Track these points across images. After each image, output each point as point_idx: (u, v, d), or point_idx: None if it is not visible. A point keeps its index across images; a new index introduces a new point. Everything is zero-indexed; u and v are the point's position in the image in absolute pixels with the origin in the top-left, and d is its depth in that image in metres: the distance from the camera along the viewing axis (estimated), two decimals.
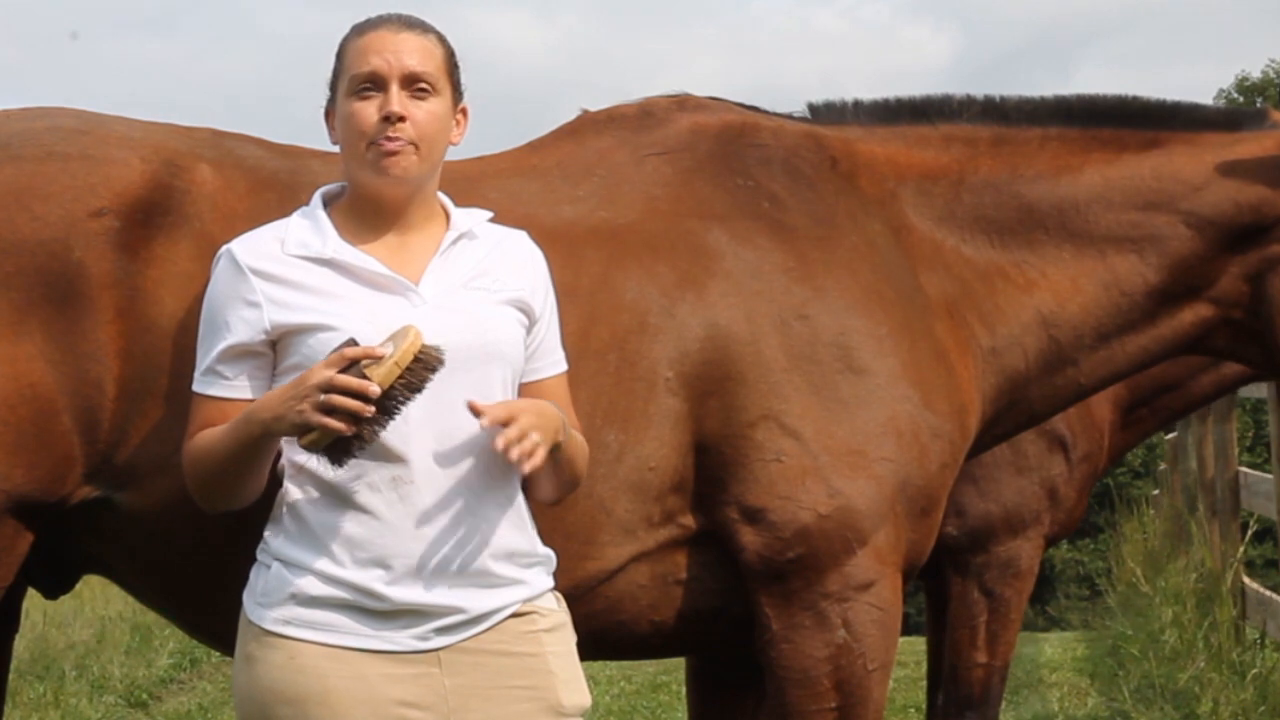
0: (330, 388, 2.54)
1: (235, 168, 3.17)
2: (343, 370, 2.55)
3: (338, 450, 2.59)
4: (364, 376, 2.54)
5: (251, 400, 2.74)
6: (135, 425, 3.00)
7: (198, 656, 9.87)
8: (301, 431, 2.59)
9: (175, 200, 3.07)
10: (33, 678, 8.53)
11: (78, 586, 3.39)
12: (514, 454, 2.64)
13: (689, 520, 3.30)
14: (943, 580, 5.31)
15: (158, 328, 3.00)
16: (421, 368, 2.58)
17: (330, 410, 2.54)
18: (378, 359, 2.56)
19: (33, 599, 3.37)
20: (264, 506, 2.79)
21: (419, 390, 2.59)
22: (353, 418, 2.54)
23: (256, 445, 2.68)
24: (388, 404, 2.56)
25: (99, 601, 10.27)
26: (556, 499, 2.92)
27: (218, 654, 5.88)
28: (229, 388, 2.75)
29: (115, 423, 3.00)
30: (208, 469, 2.74)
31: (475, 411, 2.66)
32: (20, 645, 8.08)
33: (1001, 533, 5.25)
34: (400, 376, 2.56)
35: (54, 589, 3.31)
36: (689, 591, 3.34)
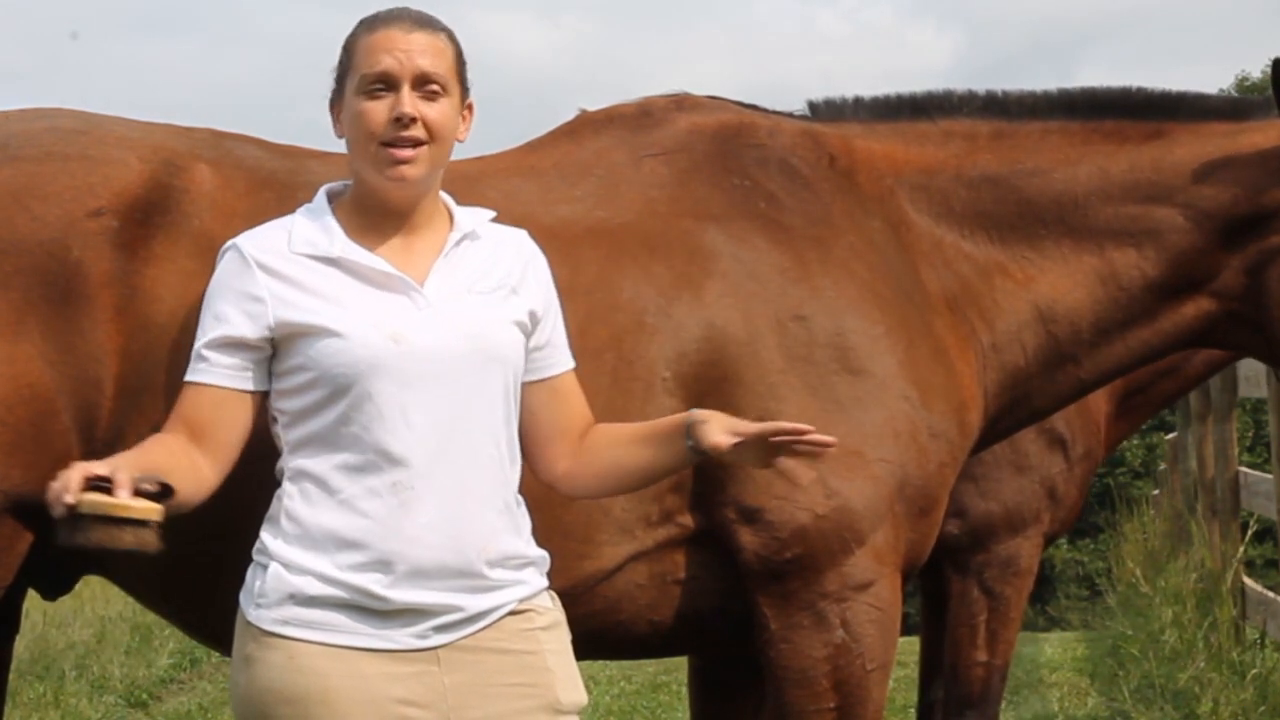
0: (66, 475, 2.47)
1: (234, 167, 3.18)
2: (96, 479, 2.48)
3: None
4: (107, 491, 2.47)
5: (234, 390, 2.72)
6: (133, 423, 3.00)
7: (198, 656, 9.87)
8: None
9: (174, 200, 3.08)
10: (33, 678, 8.53)
11: (78, 586, 3.39)
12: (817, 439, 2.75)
13: (687, 520, 3.29)
14: (942, 579, 5.31)
15: (156, 326, 3.00)
16: (128, 532, 2.49)
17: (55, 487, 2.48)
18: (112, 496, 2.48)
19: (32, 599, 3.37)
20: (263, 506, 2.79)
21: (104, 544, 2.50)
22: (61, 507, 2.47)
23: None
24: (80, 524, 2.47)
25: (99, 601, 10.27)
26: (603, 495, 2.97)
27: (218, 654, 5.87)
28: (208, 373, 2.72)
29: (113, 421, 3.00)
30: None
31: (722, 449, 2.77)
32: (20, 645, 8.08)
33: (1002, 532, 5.25)
34: (103, 517, 2.47)
35: (53, 589, 3.31)
36: (687, 591, 3.34)
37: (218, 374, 2.72)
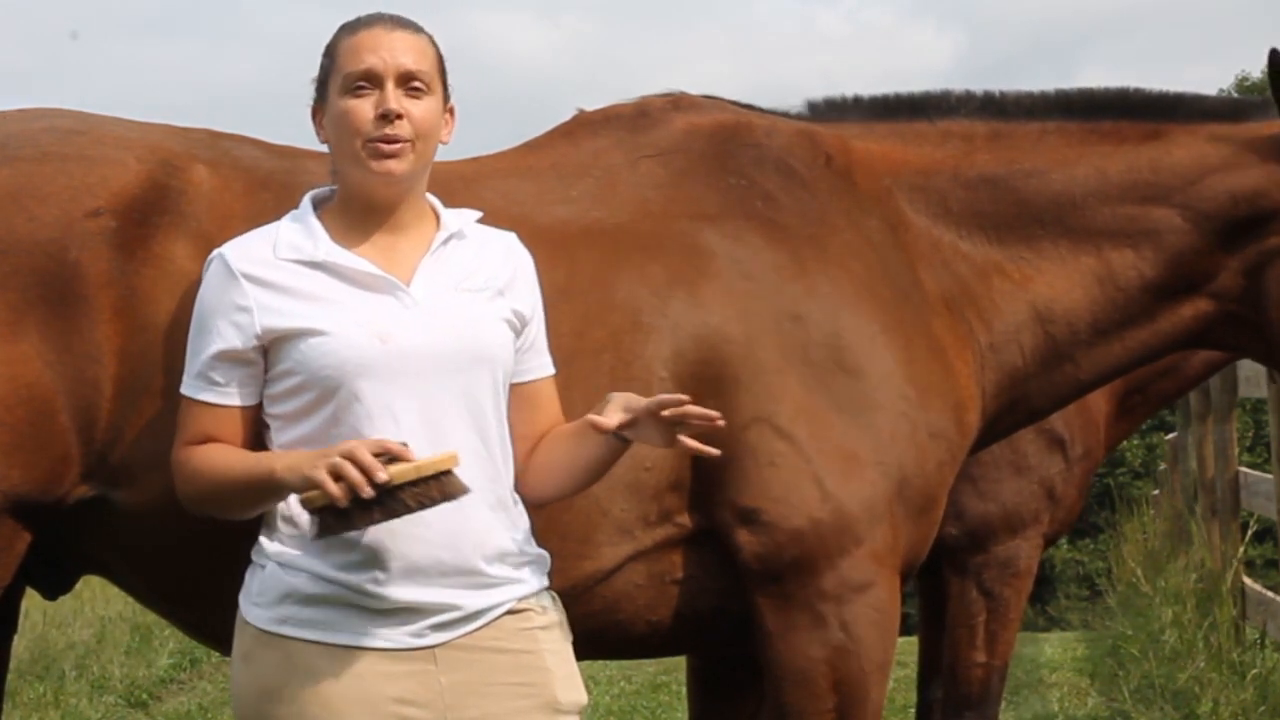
0: (348, 456, 2.54)
1: (232, 168, 3.18)
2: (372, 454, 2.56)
3: (327, 518, 2.59)
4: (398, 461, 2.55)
5: (243, 407, 2.75)
6: (132, 424, 3.00)
7: (198, 656, 9.87)
8: (306, 486, 2.59)
9: (172, 200, 3.08)
10: (33, 678, 8.53)
11: (78, 586, 3.39)
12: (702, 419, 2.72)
13: (686, 520, 3.29)
14: (941, 580, 5.31)
15: (154, 327, 3.00)
16: (435, 487, 2.58)
17: (336, 475, 2.54)
18: (407, 460, 2.56)
19: (33, 599, 3.37)
20: None
21: (423, 505, 2.58)
22: (352, 495, 2.53)
23: (267, 488, 2.68)
24: (388, 500, 2.56)
25: (99, 601, 10.27)
26: (558, 498, 2.93)
27: (218, 654, 5.88)
28: (222, 394, 2.75)
29: (112, 421, 3.00)
30: (210, 489, 2.75)
31: (602, 428, 2.74)
32: (20, 645, 8.07)
33: (1000, 533, 5.25)
34: (412, 482, 2.56)
35: (53, 589, 3.31)
36: (686, 591, 3.34)
37: (230, 394, 2.75)
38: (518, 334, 2.85)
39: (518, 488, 2.87)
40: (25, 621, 3.49)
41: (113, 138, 3.15)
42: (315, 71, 2.86)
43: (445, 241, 2.83)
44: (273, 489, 2.67)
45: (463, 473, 2.70)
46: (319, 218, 2.82)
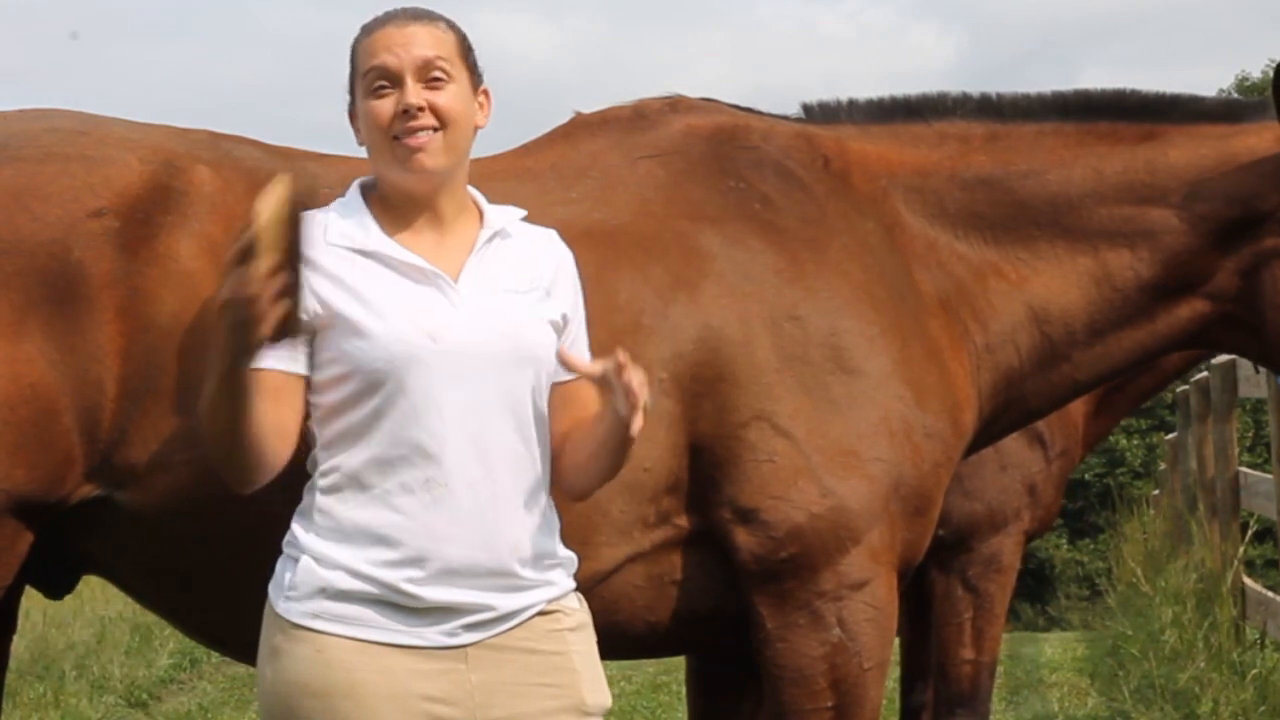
0: (231, 307, 2.45)
1: (233, 169, 3.19)
2: (236, 269, 2.44)
3: (279, 335, 2.51)
4: (252, 255, 2.43)
5: (280, 372, 2.67)
6: (135, 424, 3.01)
7: (198, 656, 9.88)
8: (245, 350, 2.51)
9: (174, 201, 3.09)
10: (33, 678, 8.54)
11: (78, 586, 3.39)
12: (635, 384, 2.64)
13: (684, 521, 3.30)
14: (924, 580, 5.32)
15: (157, 327, 3.01)
16: (293, 218, 2.48)
17: (250, 322, 2.45)
18: (254, 241, 2.44)
19: (33, 599, 3.37)
20: (261, 509, 2.79)
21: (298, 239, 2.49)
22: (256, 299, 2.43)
23: (218, 375, 2.58)
24: (287, 270, 2.47)
25: (99, 601, 10.28)
26: (592, 489, 2.89)
27: (218, 654, 5.89)
28: (263, 358, 2.63)
29: (116, 422, 3.01)
30: (210, 424, 2.65)
31: (570, 365, 2.70)
32: (20, 645, 8.08)
33: (984, 530, 5.28)
34: (282, 238, 2.45)
35: (54, 589, 3.31)
36: (684, 592, 3.35)
37: (271, 358, 2.65)
38: (560, 335, 2.84)
39: (562, 484, 2.86)
40: (25, 621, 3.50)
41: (115, 138, 3.16)
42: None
43: (490, 239, 2.82)
44: (219, 372, 2.57)
45: (501, 472, 2.69)
46: (368, 207, 2.80)
